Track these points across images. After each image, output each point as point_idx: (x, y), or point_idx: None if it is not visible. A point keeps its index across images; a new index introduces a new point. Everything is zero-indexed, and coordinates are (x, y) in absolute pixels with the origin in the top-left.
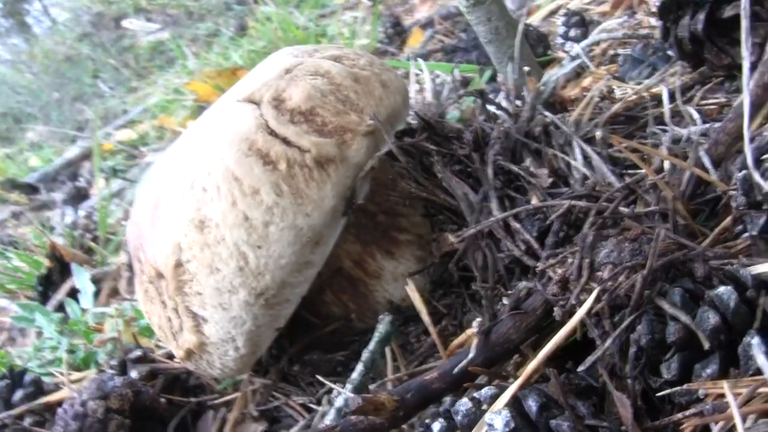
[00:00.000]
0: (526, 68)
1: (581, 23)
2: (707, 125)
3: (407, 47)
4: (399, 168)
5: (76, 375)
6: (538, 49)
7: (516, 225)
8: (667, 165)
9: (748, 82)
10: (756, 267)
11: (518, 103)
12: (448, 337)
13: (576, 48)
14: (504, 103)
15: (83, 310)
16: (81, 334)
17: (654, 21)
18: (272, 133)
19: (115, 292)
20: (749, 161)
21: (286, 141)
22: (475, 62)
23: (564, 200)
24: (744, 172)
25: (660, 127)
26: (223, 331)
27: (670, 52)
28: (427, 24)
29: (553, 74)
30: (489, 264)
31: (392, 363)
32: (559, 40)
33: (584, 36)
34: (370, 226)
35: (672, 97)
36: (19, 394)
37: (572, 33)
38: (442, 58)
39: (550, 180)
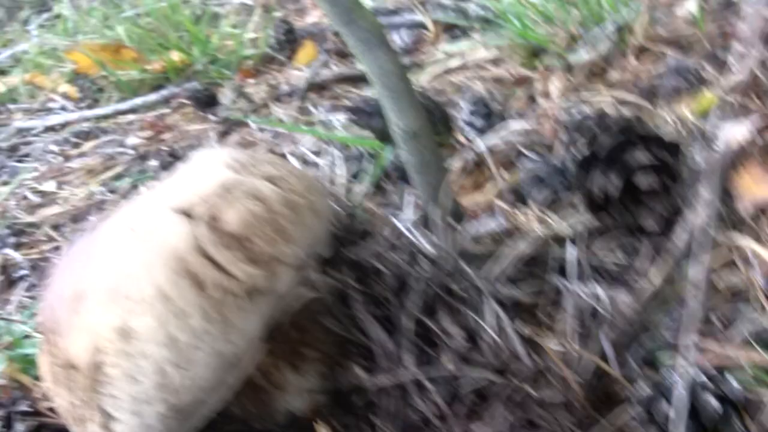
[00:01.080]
0: (451, 222)
1: (486, 114)
2: (602, 291)
3: (297, 60)
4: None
5: None
6: (440, 127)
7: (428, 385)
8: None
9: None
10: None
11: (435, 241)
12: None
13: (480, 144)
14: (422, 242)
15: None
16: None
17: (554, 124)
18: (207, 256)
19: None
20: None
21: (219, 267)
22: (378, 131)
23: (476, 372)
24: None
25: (563, 281)
26: None
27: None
28: (319, 36)
29: (477, 226)
30: (396, 414)
31: None
32: (461, 123)
33: (488, 124)
34: (280, 340)
35: (573, 241)
36: None
37: (476, 121)
38: (336, 96)
39: (465, 344)
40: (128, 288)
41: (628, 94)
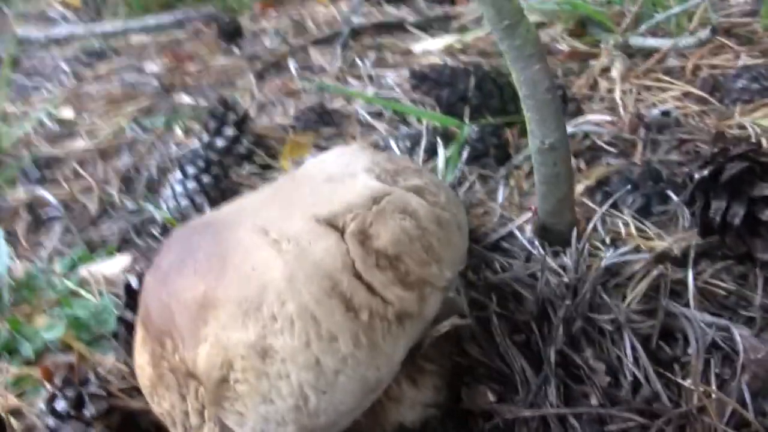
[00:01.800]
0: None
1: (563, 98)
2: (728, 326)
3: None
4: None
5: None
6: (510, 106)
7: (574, 422)
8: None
9: None
10: None
11: (568, 264)
12: None
13: None
14: (551, 261)
15: None
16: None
17: (632, 117)
18: (358, 276)
19: (10, 236)
20: None
21: (370, 288)
22: (444, 103)
23: (622, 412)
24: None
25: (681, 309)
26: None
27: (675, 197)
28: None
29: (614, 255)
30: None
31: None
32: None
33: (564, 110)
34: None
35: (680, 262)
36: None
37: None
38: (378, 47)
39: (608, 379)
40: (269, 304)
41: (692, 87)
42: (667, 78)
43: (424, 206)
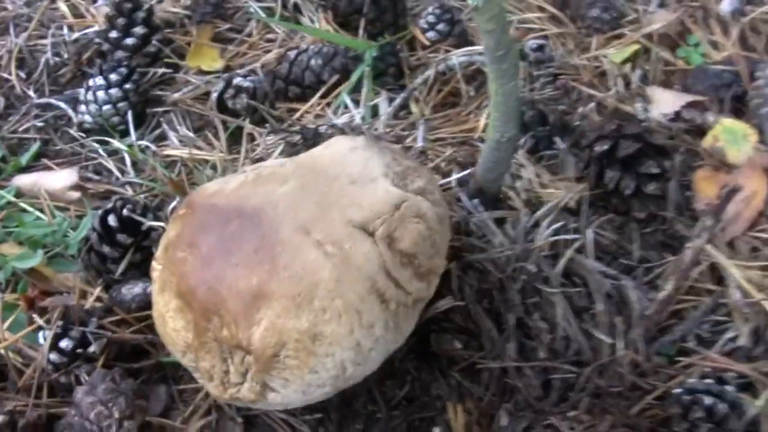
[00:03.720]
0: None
1: (450, 19)
2: (623, 281)
3: None
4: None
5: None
6: (401, 20)
7: (528, 372)
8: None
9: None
10: None
11: (512, 234)
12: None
13: (453, 61)
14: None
15: None
16: None
17: None
18: (389, 274)
19: None
20: None
21: (397, 283)
22: (341, 11)
23: (562, 365)
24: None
25: (582, 258)
26: (286, 401)
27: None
28: None
29: (549, 233)
30: (495, 384)
31: None
32: (422, 22)
33: (450, 33)
34: None
35: (572, 212)
36: None
37: (440, 26)
38: None
39: (550, 336)
40: (320, 299)
41: (545, 3)
42: None
43: (431, 208)
